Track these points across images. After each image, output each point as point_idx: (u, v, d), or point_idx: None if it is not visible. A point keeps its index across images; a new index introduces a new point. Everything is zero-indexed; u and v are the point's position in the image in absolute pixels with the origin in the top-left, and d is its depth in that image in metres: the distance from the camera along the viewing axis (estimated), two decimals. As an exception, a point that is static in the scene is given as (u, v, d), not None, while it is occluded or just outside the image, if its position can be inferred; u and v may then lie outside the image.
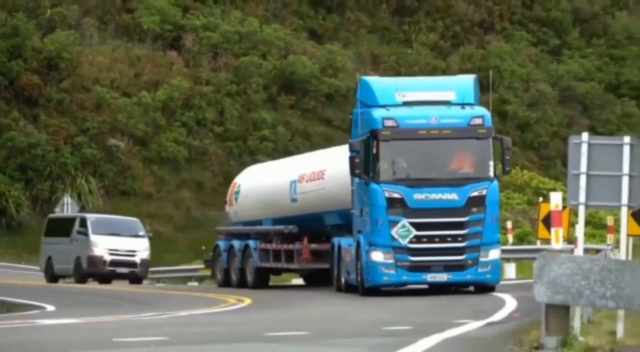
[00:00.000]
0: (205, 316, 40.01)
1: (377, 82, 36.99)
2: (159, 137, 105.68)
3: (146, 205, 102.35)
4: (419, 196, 29.25)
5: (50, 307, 47.65)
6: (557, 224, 29.27)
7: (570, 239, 30.46)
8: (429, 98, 32.54)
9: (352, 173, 32.42)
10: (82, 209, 75.80)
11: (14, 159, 76.06)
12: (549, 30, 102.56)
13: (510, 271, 61.14)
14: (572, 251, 28.54)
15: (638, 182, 28.52)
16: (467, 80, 36.29)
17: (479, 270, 29.36)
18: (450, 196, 29.16)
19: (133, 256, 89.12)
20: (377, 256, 29.33)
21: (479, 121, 30.27)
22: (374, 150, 30.06)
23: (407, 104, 31.86)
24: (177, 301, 54.42)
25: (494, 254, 30.19)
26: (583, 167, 28.28)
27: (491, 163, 29.94)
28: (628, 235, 29.42)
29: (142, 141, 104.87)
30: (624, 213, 29.29)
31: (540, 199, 43.17)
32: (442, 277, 29.73)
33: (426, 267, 29.41)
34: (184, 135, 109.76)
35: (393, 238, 28.82)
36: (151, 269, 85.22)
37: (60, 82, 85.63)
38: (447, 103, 32.26)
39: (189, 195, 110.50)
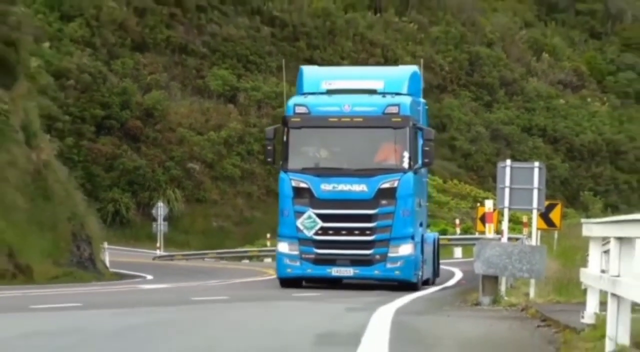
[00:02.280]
0: (252, 283, 39.28)
1: (310, 71, 29.64)
2: (222, 162, 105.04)
3: (213, 208, 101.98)
4: (326, 186, 23.43)
5: (149, 277, 47.77)
6: (490, 221, 29.42)
7: (498, 231, 30.24)
8: (353, 87, 26.44)
9: (265, 161, 29.06)
10: (170, 211, 75.84)
11: (124, 177, 75.89)
12: (484, 90, 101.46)
13: (457, 252, 61.95)
14: (499, 239, 28.53)
15: (543, 193, 28.60)
16: (403, 71, 28.97)
17: (388, 266, 23.49)
18: (359, 187, 23.14)
19: None
20: (283, 247, 24.27)
21: (394, 110, 23.80)
22: (285, 138, 24.65)
23: (330, 92, 25.94)
24: (234, 273, 53.98)
25: (405, 249, 23.60)
26: (507, 182, 28.40)
27: (406, 154, 23.24)
28: (537, 229, 29.43)
29: (211, 165, 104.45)
30: (534, 214, 29.47)
31: (478, 204, 42.81)
32: (349, 271, 24.01)
33: (332, 261, 23.84)
34: (238, 161, 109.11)
35: (298, 229, 23.46)
36: (217, 250, 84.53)
37: (155, 125, 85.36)
38: (372, 92, 25.63)
39: (241, 201, 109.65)
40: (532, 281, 26.27)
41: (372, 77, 26.94)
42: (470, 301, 26.38)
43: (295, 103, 25.33)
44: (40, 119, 54.45)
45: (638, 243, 13.76)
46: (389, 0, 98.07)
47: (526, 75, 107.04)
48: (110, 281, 45.96)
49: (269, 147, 25.27)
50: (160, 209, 73.75)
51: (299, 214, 23.48)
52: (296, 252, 23.84)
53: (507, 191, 28.46)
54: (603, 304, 15.68)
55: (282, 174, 24.46)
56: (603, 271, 15.86)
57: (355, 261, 23.95)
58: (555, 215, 31.32)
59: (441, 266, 51.45)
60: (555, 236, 29.69)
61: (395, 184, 23.33)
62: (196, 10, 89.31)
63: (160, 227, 72.88)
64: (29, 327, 17.95)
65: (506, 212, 29.12)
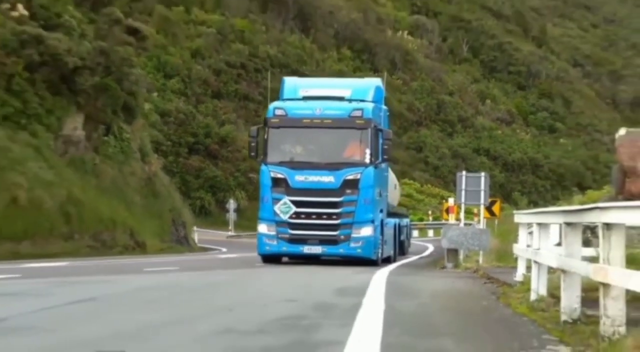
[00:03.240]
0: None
1: (290, 81, 27.20)
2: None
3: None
4: (300, 177, 22.03)
5: (224, 249, 47.64)
6: (452, 212, 29.76)
7: (457, 219, 30.23)
8: (326, 94, 24.49)
9: (249, 155, 25.10)
10: (238, 205, 75.80)
11: (207, 183, 75.89)
12: (447, 124, 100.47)
13: (430, 233, 62.14)
14: (458, 224, 28.49)
15: (487, 193, 28.47)
16: (368, 82, 27.13)
17: (351, 245, 21.85)
18: (327, 178, 21.82)
19: None
20: (262, 228, 22.64)
21: (358, 113, 22.38)
22: (265, 136, 22.83)
23: (306, 98, 24.21)
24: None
25: (366, 231, 22.04)
26: (463, 186, 28.31)
27: (368, 151, 21.90)
28: (484, 217, 29.33)
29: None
30: (482, 207, 29.35)
31: (444, 201, 42.54)
32: (317, 249, 22.39)
33: (303, 240, 22.22)
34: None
35: (275, 213, 22.03)
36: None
37: (227, 148, 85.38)
38: (341, 99, 23.94)
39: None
40: (481, 252, 26.24)
41: (342, 87, 25.38)
42: (439, 266, 26.54)
43: (275, 107, 23.71)
44: (150, 143, 55.83)
45: (551, 227, 13.71)
46: (383, 64, 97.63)
47: (475, 115, 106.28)
48: (197, 252, 46.46)
49: (252, 144, 23.56)
50: (231, 205, 73.97)
51: (276, 200, 22.02)
52: (274, 233, 22.16)
53: (463, 192, 28.48)
54: (528, 268, 15.71)
55: (262, 167, 22.75)
56: (528, 246, 15.87)
57: (323, 241, 22.09)
58: (495, 208, 31.21)
59: (419, 243, 51.54)
60: (496, 222, 29.69)
61: (358, 176, 21.81)
62: (254, 71, 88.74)
63: (231, 216, 72.94)
64: (143, 283, 18.42)
65: (463, 207, 29.12)
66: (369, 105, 23.37)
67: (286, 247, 22.37)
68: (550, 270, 13.42)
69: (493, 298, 15.08)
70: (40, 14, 42.43)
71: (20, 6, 42.38)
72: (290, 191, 22.03)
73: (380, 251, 23.39)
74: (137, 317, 11.67)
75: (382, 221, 23.87)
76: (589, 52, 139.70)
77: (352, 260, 22.88)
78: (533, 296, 13.58)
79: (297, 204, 21.86)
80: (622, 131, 20.26)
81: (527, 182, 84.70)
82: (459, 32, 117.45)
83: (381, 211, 24.05)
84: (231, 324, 10.42)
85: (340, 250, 22.19)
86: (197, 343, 9.06)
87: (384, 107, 25.39)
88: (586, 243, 12.47)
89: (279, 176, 22.11)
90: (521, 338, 9.73)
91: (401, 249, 32.77)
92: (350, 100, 24.00)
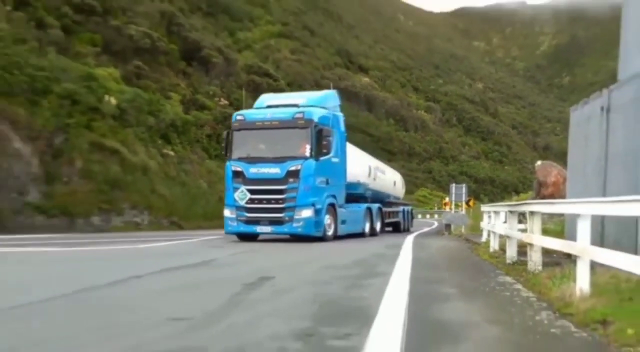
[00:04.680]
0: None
1: (263, 96, 21.04)
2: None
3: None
4: (253, 170, 17.47)
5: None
6: (447, 205, 29.09)
7: (450, 208, 29.95)
8: (283, 102, 19.32)
9: (224, 154, 19.11)
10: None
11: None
12: (445, 159, 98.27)
13: (435, 216, 59.78)
14: (451, 211, 28.16)
15: (466, 195, 28.27)
16: (323, 92, 20.79)
17: (293, 225, 17.20)
18: (274, 169, 17.26)
19: None
20: (226, 212, 17.89)
21: (300, 115, 17.62)
22: (230, 137, 18.33)
23: (269, 106, 18.97)
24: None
25: (306, 213, 17.20)
26: (453, 191, 28.11)
27: (308, 146, 17.31)
28: (465, 207, 29.02)
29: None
30: (464, 202, 29.04)
31: (444, 199, 41.80)
32: (268, 229, 17.50)
33: (256, 221, 17.50)
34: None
35: (235, 200, 17.53)
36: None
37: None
38: (295, 105, 18.62)
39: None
40: (463, 227, 26.05)
41: (299, 97, 19.99)
42: (440, 234, 26.04)
43: (237, 114, 18.90)
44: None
45: (501, 213, 13.71)
46: (411, 127, 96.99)
47: (460, 154, 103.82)
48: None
49: (223, 144, 18.95)
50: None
51: (236, 189, 17.50)
52: (234, 216, 17.55)
53: (453, 194, 28.33)
54: (488, 235, 15.66)
55: (227, 162, 18.11)
56: (488, 223, 15.81)
57: (272, 222, 17.30)
58: (471, 203, 30.89)
59: (431, 222, 48.97)
60: (471, 211, 29.38)
61: (299, 167, 17.07)
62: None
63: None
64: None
65: (453, 202, 28.92)
66: (312, 109, 18.08)
67: (243, 228, 17.52)
68: (500, 236, 13.46)
69: (469, 251, 15.02)
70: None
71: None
72: (246, 181, 17.43)
73: (324, 229, 17.78)
74: (281, 258, 11.91)
75: (332, 205, 18.31)
76: (521, 121, 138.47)
77: (300, 237, 17.54)
78: (491, 250, 13.61)
79: (252, 191, 17.31)
80: (539, 162, 22.89)
81: (487, 190, 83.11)
82: (451, 111, 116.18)
83: (333, 196, 18.44)
84: (329, 264, 10.64)
85: (285, 229, 17.25)
86: (317, 271, 9.34)
87: (337, 113, 19.75)
88: (519, 222, 12.50)
89: (238, 169, 17.60)
90: (485, 271, 9.84)
91: (396, 227, 27.41)
92: (299, 106, 18.69)
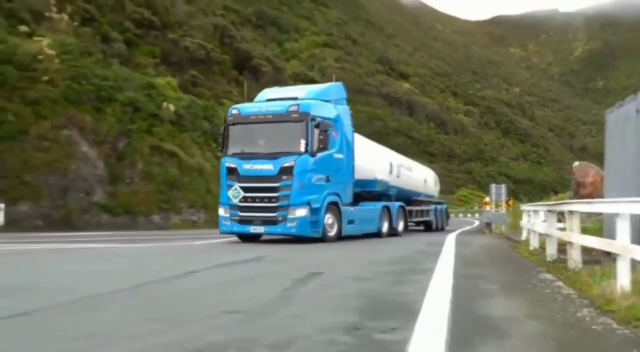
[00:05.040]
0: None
1: (265, 91, 17.98)
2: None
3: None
4: (247, 166, 15.28)
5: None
6: (488, 205, 28.55)
7: (491, 208, 29.38)
8: (283, 96, 16.80)
9: (220, 150, 16.69)
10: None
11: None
12: (484, 161, 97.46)
13: (477, 216, 59.15)
14: (491, 210, 27.67)
15: (506, 195, 27.71)
16: (327, 85, 18.05)
17: (287, 225, 14.95)
18: (268, 166, 15.06)
19: None
20: (221, 211, 15.67)
21: (295, 109, 15.32)
22: (225, 133, 16.01)
23: (269, 100, 16.59)
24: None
25: (300, 212, 14.98)
26: (493, 191, 27.61)
27: (303, 141, 15.04)
28: (505, 207, 28.45)
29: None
30: (504, 202, 28.44)
31: (486, 199, 40.86)
32: (261, 229, 15.29)
33: (250, 221, 15.27)
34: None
35: (229, 198, 15.38)
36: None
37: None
38: (295, 99, 16.20)
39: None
40: (503, 225, 25.61)
41: (299, 90, 17.55)
42: (481, 232, 25.70)
43: (232, 108, 16.60)
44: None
45: (540, 213, 13.40)
46: (451, 131, 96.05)
47: (498, 156, 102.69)
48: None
49: (220, 140, 16.55)
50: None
51: (230, 187, 15.29)
52: (228, 215, 15.36)
53: (493, 194, 27.80)
54: (528, 234, 15.38)
55: (223, 159, 15.83)
56: (527, 222, 15.51)
57: (265, 222, 15.00)
58: (511, 202, 30.33)
59: (472, 220, 48.00)
60: (510, 210, 28.87)
61: (293, 164, 14.83)
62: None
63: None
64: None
65: (493, 202, 28.41)
66: (309, 102, 15.74)
67: (237, 228, 15.44)
68: (540, 235, 13.17)
69: (510, 249, 14.76)
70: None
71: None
72: (240, 178, 15.31)
73: (324, 229, 15.40)
74: (327, 256, 11.85)
75: (335, 203, 15.88)
76: (557, 123, 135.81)
77: (297, 238, 15.23)
78: (531, 248, 13.32)
79: (245, 190, 15.19)
80: (577, 163, 22.02)
81: (526, 190, 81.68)
82: (489, 114, 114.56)
83: (337, 194, 16.03)
84: (374, 261, 10.56)
85: (279, 229, 15.07)
86: (363, 267, 9.25)
87: (343, 106, 17.17)
88: (559, 221, 12.20)
89: (232, 165, 15.49)
90: (526, 268, 9.62)
91: (428, 226, 25.26)
92: (298, 99, 16.28)
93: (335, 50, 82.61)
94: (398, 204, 20.40)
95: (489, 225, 26.04)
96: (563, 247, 10.07)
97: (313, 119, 15.17)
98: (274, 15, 72.11)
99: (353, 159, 17.07)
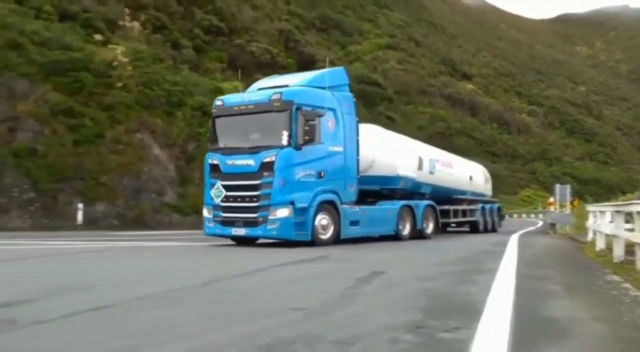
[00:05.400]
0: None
1: (262, 80, 16.54)
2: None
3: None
4: (229, 162, 13.47)
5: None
6: (552, 205, 27.80)
7: (555, 208, 28.60)
8: (273, 84, 14.68)
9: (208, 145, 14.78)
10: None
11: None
12: (548, 161, 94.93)
13: (540, 216, 57.75)
14: (555, 211, 26.94)
15: (570, 195, 26.95)
16: (324, 70, 15.16)
17: (268, 227, 13.08)
18: (249, 161, 13.16)
19: None
20: (205, 212, 13.94)
21: (277, 97, 13.26)
22: (211, 126, 14.40)
23: (260, 89, 14.54)
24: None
25: (282, 213, 12.99)
26: (557, 191, 26.85)
27: (285, 132, 13.03)
28: (569, 207, 27.62)
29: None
30: (568, 202, 27.65)
31: (550, 199, 39.91)
32: (242, 231, 13.45)
33: (232, 223, 13.51)
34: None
35: (212, 197, 13.68)
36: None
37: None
38: (285, 86, 14.08)
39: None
40: (568, 226, 24.93)
41: (294, 77, 15.18)
42: (545, 233, 25.09)
43: (217, 98, 14.70)
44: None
45: (606, 213, 13.00)
46: (514, 131, 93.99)
47: (562, 156, 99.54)
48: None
49: (208, 134, 14.93)
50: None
51: (212, 185, 13.61)
52: (211, 216, 13.73)
53: (558, 195, 27.04)
54: (594, 234, 14.95)
55: (207, 154, 14.11)
56: (593, 222, 15.08)
57: (246, 223, 13.23)
58: (575, 203, 29.51)
59: (536, 221, 46.04)
60: (575, 210, 28.02)
61: (274, 158, 12.88)
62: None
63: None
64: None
65: (557, 202, 27.64)
66: (295, 89, 13.78)
67: (219, 230, 13.74)
68: (606, 235, 12.78)
69: (575, 249, 14.38)
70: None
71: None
72: (222, 175, 13.58)
73: (313, 232, 13.42)
74: (390, 255, 11.82)
75: (330, 202, 13.91)
76: (626, 122, 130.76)
77: (285, 242, 13.45)
78: (597, 249, 12.95)
79: (227, 188, 13.45)
80: None
81: (592, 190, 78.97)
82: (553, 114, 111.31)
83: (333, 192, 14.03)
84: (437, 260, 10.48)
85: (259, 232, 13.26)
86: (425, 266, 9.20)
87: (343, 93, 14.86)
88: (626, 222, 11.80)
89: (215, 161, 13.75)
90: (592, 269, 9.36)
91: (474, 226, 22.88)
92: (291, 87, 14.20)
93: (398, 52, 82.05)
94: (425, 202, 17.95)
95: (553, 225, 25.42)
96: (630, 248, 9.75)
97: (298, 108, 13.20)
98: (337, 18, 72.32)
99: (357, 152, 14.91)
